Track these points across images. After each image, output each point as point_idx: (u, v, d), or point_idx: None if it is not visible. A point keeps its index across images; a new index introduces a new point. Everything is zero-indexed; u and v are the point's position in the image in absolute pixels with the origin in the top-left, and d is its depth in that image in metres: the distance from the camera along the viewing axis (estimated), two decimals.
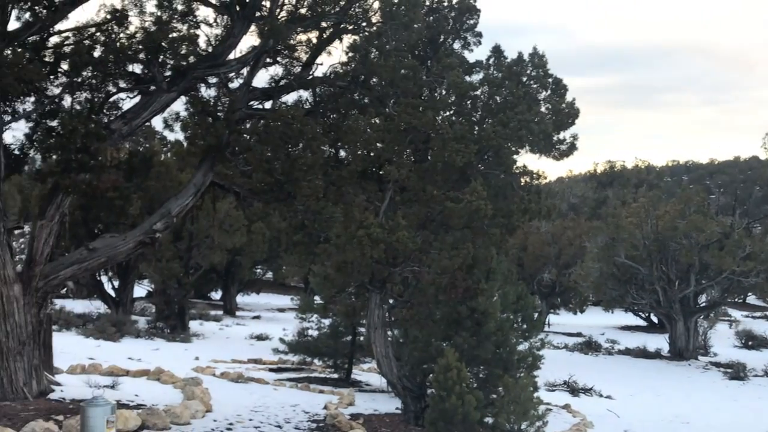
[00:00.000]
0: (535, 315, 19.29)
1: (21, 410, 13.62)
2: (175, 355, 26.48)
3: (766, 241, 36.98)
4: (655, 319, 49.91)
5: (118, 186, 15.73)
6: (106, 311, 33.82)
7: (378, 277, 16.04)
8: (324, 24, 16.65)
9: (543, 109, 16.25)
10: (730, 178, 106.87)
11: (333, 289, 17.78)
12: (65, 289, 38.80)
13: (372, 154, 16.39)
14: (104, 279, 35.57)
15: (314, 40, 16.86)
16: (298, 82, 16.78)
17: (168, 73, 15.79)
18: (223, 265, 44.51)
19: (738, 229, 36.83)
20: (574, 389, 25.72)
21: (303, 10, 16.41)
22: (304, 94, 17.22)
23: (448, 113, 16.51)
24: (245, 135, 16.34)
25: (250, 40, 16.64)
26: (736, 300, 60.22)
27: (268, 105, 17.03)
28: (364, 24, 16.67)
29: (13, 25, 14.43)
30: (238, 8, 16.12)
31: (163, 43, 15.25)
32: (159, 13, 15.67)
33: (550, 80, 16.38)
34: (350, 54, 16.64)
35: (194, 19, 16.14)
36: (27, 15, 14.58)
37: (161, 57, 15.52)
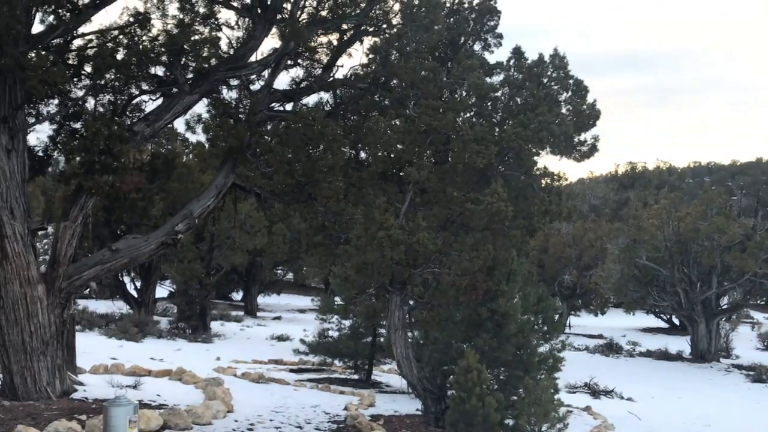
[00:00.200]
0: (556, 317, 19.25)
1: (44, 410, 13.74)
2: (196, 355, 26.61)
3: None
4: (676, 321, 49.60)
5: (140, 187, 15.85)
6: (129, 312, 34.02)
7: (398, 278, 16.05)
8: (345, 26, 16.70)
9: (564, 110, 16.21)
10: (753, 179, 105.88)
11: (353, 291, 17.80)
12: (88, 289, 39.04)
13: (392, 155, 16.42)
14: (127, 280, 35.79)
15: (335, 42, 16.91)
16: (319, 84, 16.83)
17: (190, 76, 15.89)
18: (244, 266, 44.62)
19: (760, 231, 36.53)
20: (594, 391, 25.62)
21: (324, 12, 16.47)
22: (325, 96, 17.29)
23: (468, 115, 16.51)
24: (266, 137, 16.41)
25: (271, 42, 16.73)
26: (758, 302, 59.68)
27: (289, 107, 17.10)
28: (384, 26, 16.70)
29: (37, 28, 14.60)
30: (259, 11, 16.20)
31: (185, 46, 15.35)
32: (181, 16, 15.78)
33: (571, 81, 16.33)
34: (371, 56, 16.68)
35: (216, 22, 16.24)
36: (51, 18, 14.73)
37: (183, 59, 15.63)
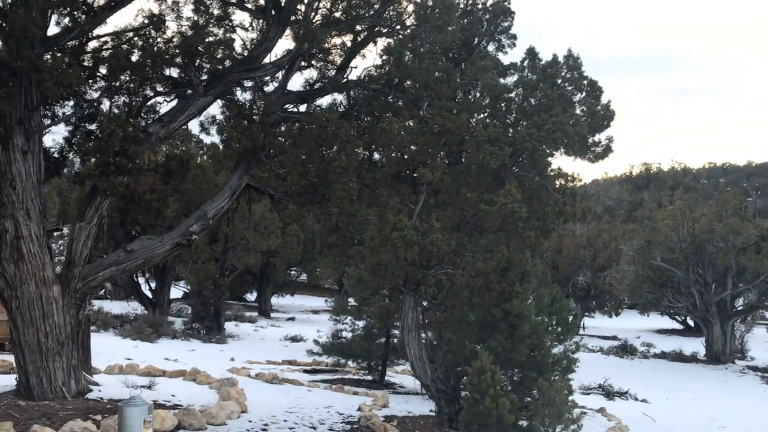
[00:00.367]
0: (570, 318, 19.19)
1: (60, 410, 13.81)
2: (210, 355, 26.70)
3: None
4: (691, 323, 49.38)
5: (155, 188, 15.91)
6: (143, 312, 34.17)
7: (412, 279, 16.05)
8: (358, 27, 16.72)
9: (578, 111, 16.16)
10: None
11: (367, 291, 17.80)
12: (103, 290, 39.26)
13: (406, 156, 16.42)
14: (141, 280, 35.96)
15: (348, 44, 16.94)
16: (333, 86, 16.86)
17: (204, 77, 15.94)
18: (258, 266, 44.73)
19: None
20: (609, 393, 25.55)
21: (337, 14, 16.49)
22: (339, 97, 17.32)
23: (482, 116, 16.49)
24: (280, 138, 16.45)
25: (285, 43, 16.80)
26: None
27: (302, 108, 17.13)
28: (398, 27, 16.71)
29: (52, 30, 14.69)
30: (273, 12, 16.23)
31: (199, 48, 15.40)
32: (195, 18, 15.83)
33: (585, 82, 16.29)
34: (384, 57, 16.69)
35: (230, 24, 16.29)
36: (66, 20, 14.82)
37: (198, 61, 15.68)
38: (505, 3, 17.40)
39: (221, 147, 20.48)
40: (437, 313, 16.71)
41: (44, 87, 13.55)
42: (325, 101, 17.28)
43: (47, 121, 15.18)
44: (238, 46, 16.31)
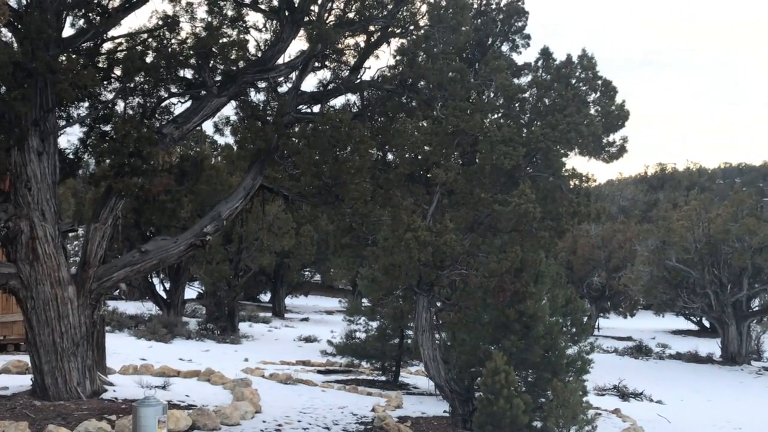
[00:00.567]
0: (585, 319, 19.16)
1: (75, 410, 13.87)
2: (225, 356, 26.76)
3: None
4: (706, 324, 49.16)
5: (169, 189, 15.94)
6: (158, 313, 34.29)
7: (425, 280, 16.04)
8: (372, 28, 16.70)
9: (592, 111, 16.11)
10: None
11: (380, 292, 17.80)
12: (118, 290, 39.40)
13: (419, 157, 16.41)
14: (156, 281, 36.07)
15: (362, 44, 16.92)
16: (346, 86, 16.86)
17: (218, 78, 15.97)
18: (272, 267, 44.80)
19: None
20: (623, 394, 25.47)
21: (351, 15, 16.48)
22: (352, 97, 17.30)
23: (496, 116, 16.46)
24: (294, 139, 16.46)
25: (298, 44, 16.78)
26: None
27: (316, 109, 17.13)
28: (411, 27, 16.69)
29: (67, 31, 14.74)
30: (287, 13, 16.24)
31: (213, 49, 15.42)
32: (209, 19, 15.86)
33: (600, 82, 16.23)
34: (398, 57, 16.67)
35: (244, 25, 16.31)
36: (81, 22, 14.88)
37: (212, 62, 15.71)
38: (519, 3, 17.37)
39: (235, 148, 20.53)
40: (451, 313, 16.70)
41: (59, 88, 13.60)
42: (338, 102, 17.30)
43: (62, 123, 15.23)
44: (251, 47, 16.35)
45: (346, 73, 17.04)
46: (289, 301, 54.07)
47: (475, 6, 17.31)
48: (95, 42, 15.09)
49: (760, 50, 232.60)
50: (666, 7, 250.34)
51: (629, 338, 44.80)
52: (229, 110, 17.00)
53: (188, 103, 16.12)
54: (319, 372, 25.05)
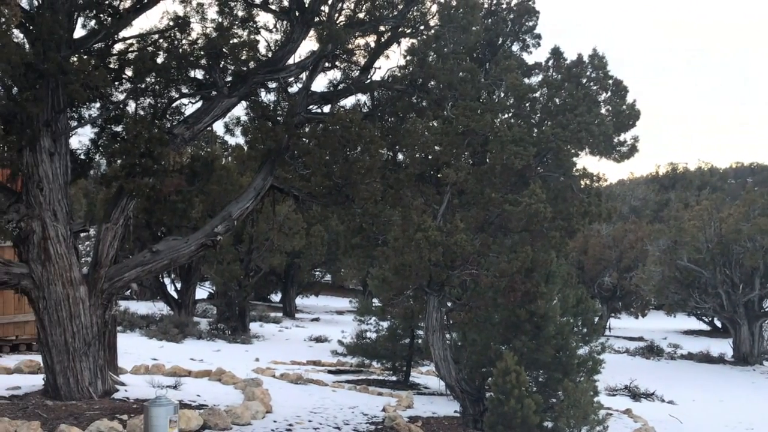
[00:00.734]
0: (596, 319, 19.10)
1: (86, 409, 13.92)
2: (235, 356, 26.79)
3: None
4: (718, 324, 48.96)
5: (180, 189, 15.99)
6: (169, 313, 34.35)
7: (436, 280, 16.03)
8: (382, 28, 16.71)
9: (603, 110, 16.08)
10: None
11: (391, 292, 17.80)
12: (129, 290, 39.51)
13: (430, 157, 16.41)
14: (167, 281, 36.15)
15: (372, 44, 16.92)
16: (357, 86, 16.87)
17: (229, 79, 16.01)
18: (282, 267, 44.82)
19: None
20: (635, 394, 25.39)
21: (361, 15, 16.48)
22: (363, 97, 17.31)
23: (506, 116, 16.45)
24: (304, 139, 16.48)
25: (309, 45, 16.82)
26: None
27: (326, 109, 17.15)
28: (422, 27, 16.69)
29: (79, 32, 14.79)
30: (297, 14, 16.26)
31: (224, 49, 15.45)
32: (220, 20, 15.89)
33: (610, 81, 16.20)
34: (408, 57, 16.67)
35: (254, 25, 16.34)
36: (92, 23, 14.93)
37: (222, 63, 15.74)
38: (530, 2, 17.35)
39: (246, 148, 20.58)
40: (462, 313, 16.68)
41: (71, 89, 13.65)
42: (348, 102, 17.32)
43: (74, 123, 15.29)
44: (262, 47, 16.37)
45: (357, 74, 17.06)
46: (299, 301, 54.11)
47: (486, 6, 17.31)
48: (106, 43, 15.14)
49: None
50: (675, 6, 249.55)
51: (641, 338, 44.65)
52: (240, 110, 17.05)
53: (199, 104, 16.17)
54: (330, 372, 25.06)
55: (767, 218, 35.19)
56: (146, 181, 14.68)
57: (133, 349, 23.55)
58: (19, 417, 12.96)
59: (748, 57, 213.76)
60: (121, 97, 15.56)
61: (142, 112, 15.59)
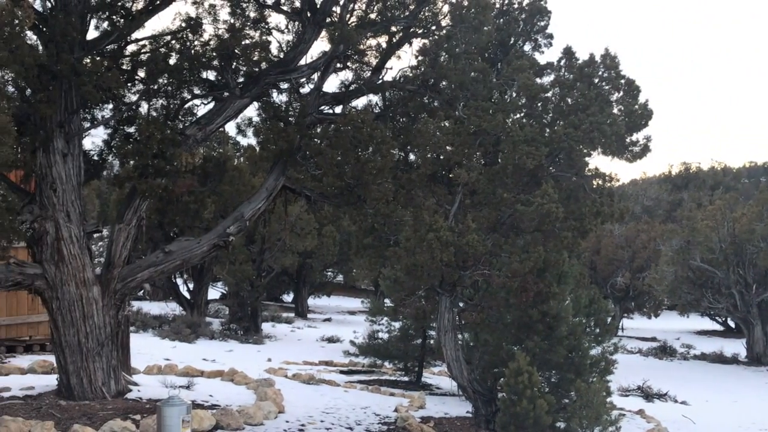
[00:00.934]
0: (608, 319, 19.05)
1: (100, 409, 13.98)
2: (248, 356, 26.86)
3: None
4: (731, 324, 48.74)
5: (193, 190, 16.04)
6: (182, 313, 34.47)
7: (448, 280, 16.01)
8: (393, 28, 16.71)
9: (615, 110, 16.03)
10: None
11: (403, 292, 17.80)
12: (142, 291, 39.70)
13: (441, 157, 16.38)
14: (179, 281, 36.29)
15: (384, 45, 16.93)
16: (368, 87, 16.88)
17: (241, 80, 16.05)
18: (294, 267, 44.91)
19: None
20: (648, 394, 25.31)
21: (373, 15, 16.50)
22: (374, 98, 17.32)
23: (518, 115, 16.41)
24: (316, 139, 16.49)
25: (320, 45, 16.84)
26: None
27: (338, 109, 17.17)
28: (433, 27, 16.69)
29: (91, 34, 14.87)
30: (308, 14, 16.29)
31: (236, 50, 15.49)
32: (232, 21, 15.94)
33: (623, 81, 16.15)
34: (420, 58, 16.66)
35: (266, 26, 16.38)
36: (105, 24, 15.00)
37: (234, 63, 15.78)
38: (542, 2, 17.30)
39: (258, 149, 20.61)
40: (473, 314, 16.66)
41: (84, 90, 13.72)
42: (360, 102, 17.33)
43: (87, 124, 15.36)
44: (274, 48, 16.41)
45: (368, 74, 17.07)
46: (311, 301, 54.18)
47: (497, 6, 17.26)
48: (119, 44, 15.20)
49: None
50: (686, 5, 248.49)
51: (653, 339, 44.49)
52: (252, 111, 17.09)
53: (211, 105, 16.22)
54: (342, 372, 25.08)
55: None
56: (159, 182, 14.74)
57: (145, 349, 23.63)
58: (33, 417, 13.03)
59: (760, 56, 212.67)
60: (134, 98, 15.63)
61: (154, 113, 15.64)
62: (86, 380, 14.74)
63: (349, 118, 15.76)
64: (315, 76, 16.79)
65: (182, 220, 16.99)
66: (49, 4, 14.21)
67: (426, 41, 16.78)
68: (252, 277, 34.38)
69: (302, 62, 16.48)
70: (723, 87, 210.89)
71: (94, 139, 16.32)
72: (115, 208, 26.12)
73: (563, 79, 16.26)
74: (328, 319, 47.33)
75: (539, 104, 16.13)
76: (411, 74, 16.66)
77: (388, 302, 25.72)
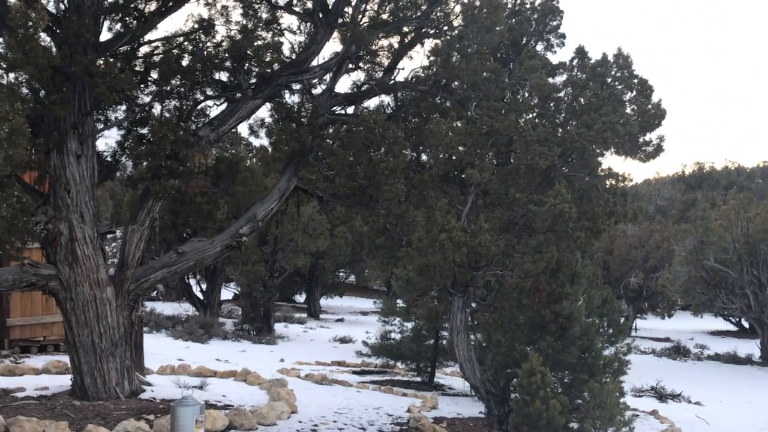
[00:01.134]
0: (622, 319, 18.99)
1: (113, 409, 14.03)
2: (260, 356, 26.91)
3: None
4: (746, 324, 48.53)
5: (205, 191, 16.08)
6: (195, 313, 34.55)
7: (460, 280, 16.01)
8: (405, 29, 16.72)
9: (628, 110, 15.97)
10: None
11: (415, 293, 17.80)
12: (155, 291, 39.80)
13: (454, 157, 16.38)
14: (193, 282, 36.37)
15: (396, 45, 16.94)
16: (380, 87, 16.88)
17: (253, 81, 16.08)
18: (307, 268, 44.96)
19: None
20: (661, 395, 25.23)
21: (385, 16, 16.50)
22: (386, 98, 17.32)
23: (531, 116, 16.37)
24: (328, 140, 16.51)
25: (332, 46, 16.88)
26: None
27: (350, 110, 17.19)
28: (445, 28, 16.68)
29: (105, 35, 14.92)
30: (320, 15, 16.31)
31: (248, 51, 15.53)
32: (244, 22, 15.97)
33: (636, 81, 16.09)
34: (432, 58, 16.66)
35: (278, 27, 16.40)
36: (118, 26, 15.06)
37: (247, 65, 15.82)
38: (554, 2, 17.27)
39: (270, 149, 20.64)
40: (486, 314, 16.64)
41: (97, 92, 13.77)
42: (372, 103, 17.34)
43: (100, 126, 15.42)
44: (286, 49, 16.43)
45: (380, 75, 17.08)
46: (324, 301, 54.22)
47: (510, 6, 17.24)
48: (132, 46, 15.24)
49: None
50: (699, 5, 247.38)
51: (667, 339, 44.35)
52: (264, 112, 17.12)
53: (224, 106, 16.25)
54: (354, 373, 25.09)
55: None
56: (172, 183, 14.79)
57: (159, 349, 23.70)
58: (47, 417, 13.10)
59: None
60: (147, 99, 15.68)
61: (167, 115, 15.69)
62: (100, 380, 14.80)
63: (361, 119, 15.77)
64: (327, 77, 16.81)
65: (195, 220, 17.06)
66: (62, 6, 14.28)
67: (438, 41, 16.78)
68: (265, 277, 34.44)
69: (314, 63, 16.51)
70: (736, 87, 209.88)
71: (107, 141, 16.45)
72: (129, 209, 26.25)
73: (576, 79, 16.21)
74: (341, 320, 47.36)
75: (552, 104, 16.09)
76: (423, 74, 16.66)
77: (400, 303, 25.71)
